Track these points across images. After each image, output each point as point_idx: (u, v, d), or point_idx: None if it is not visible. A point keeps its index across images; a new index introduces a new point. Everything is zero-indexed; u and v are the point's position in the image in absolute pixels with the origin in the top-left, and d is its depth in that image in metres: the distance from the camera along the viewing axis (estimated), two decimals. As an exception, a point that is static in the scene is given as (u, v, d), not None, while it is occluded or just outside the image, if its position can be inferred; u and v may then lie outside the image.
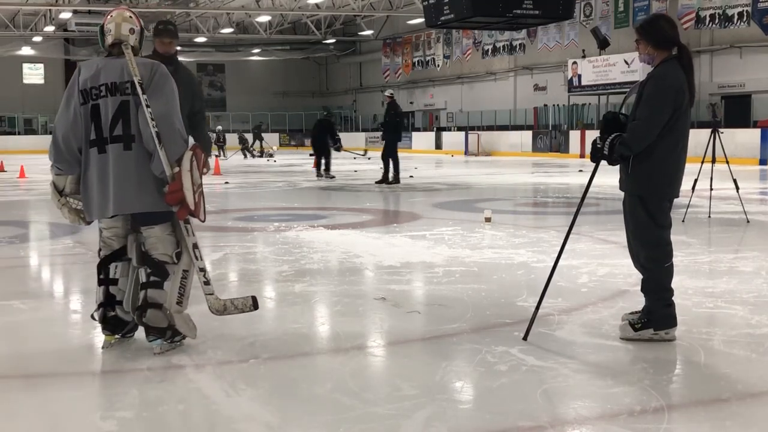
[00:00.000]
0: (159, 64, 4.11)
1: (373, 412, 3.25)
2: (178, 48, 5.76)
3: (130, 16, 4.10)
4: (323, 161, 18.19)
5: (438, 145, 37.06)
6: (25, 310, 5.17)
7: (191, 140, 4.12)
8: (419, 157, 31.79)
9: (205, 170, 4.98)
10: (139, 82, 3.92)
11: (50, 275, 6.95)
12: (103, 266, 4.14)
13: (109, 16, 4.10)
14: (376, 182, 16.06)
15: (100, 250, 4.18)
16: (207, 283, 4.13)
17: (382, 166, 16.18)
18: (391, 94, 16.86)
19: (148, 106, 3.90)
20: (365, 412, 3.26)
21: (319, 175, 18.14)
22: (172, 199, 3.91)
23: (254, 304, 4.23)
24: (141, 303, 4.03)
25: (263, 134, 34.94)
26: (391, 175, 15.95)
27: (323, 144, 18.23)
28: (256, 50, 45.63)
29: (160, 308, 4.02)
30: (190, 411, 3.35)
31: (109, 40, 4.05)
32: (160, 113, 3.93)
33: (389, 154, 16.04)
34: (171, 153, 3.92)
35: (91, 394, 3.64)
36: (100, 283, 4.15)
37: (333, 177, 17.88)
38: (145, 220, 4.04)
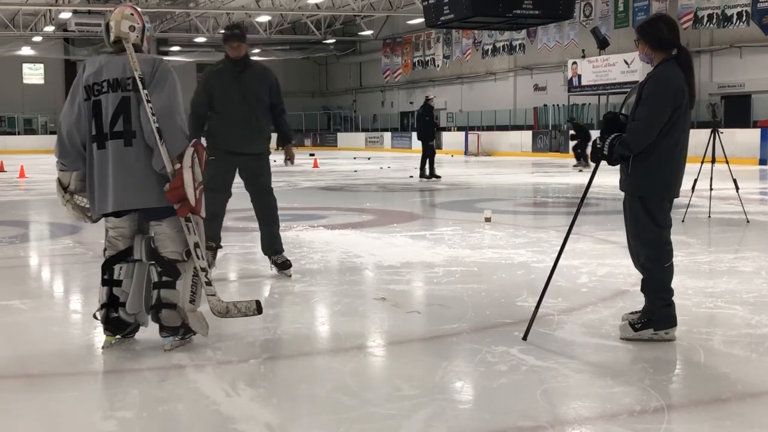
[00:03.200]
0: (161, 60, 4.11)
1: (373, 412, 3.25)
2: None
3: (131, 14, 4.11)
4: None
5: (438, 145, 36.96)
6: (25, 310, 5.17)
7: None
8: (419, 156, 31.71)
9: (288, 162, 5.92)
10: (140, 77, 3.92)
11: (50, 275, 6.95)
12: (107, 267, 4.13)
13: (112, 13, 4.11)
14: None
15: (105, 249, 4.17)
16: (209, 283, 4.12)
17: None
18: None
19: (149, 102, 3.90)
20: (365, 412, 3.26)
21: None
22: (172, 197, 3.90)
23: (258, 309, 4.23)
24: (155, 302, 4.04)
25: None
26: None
27: None
28: (256, 50, 45.53)
29: (174, 308, 4.02)
30: (190, 411, 3.35)
31: (112, 37, 4.07)
32: (162, 108, 3.92)
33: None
34: (172, 149, 3.91)
35: (91, 394, 3.63)
36: (104, 283, 4.13)
37: None
38: (150, 216, 4.03)
